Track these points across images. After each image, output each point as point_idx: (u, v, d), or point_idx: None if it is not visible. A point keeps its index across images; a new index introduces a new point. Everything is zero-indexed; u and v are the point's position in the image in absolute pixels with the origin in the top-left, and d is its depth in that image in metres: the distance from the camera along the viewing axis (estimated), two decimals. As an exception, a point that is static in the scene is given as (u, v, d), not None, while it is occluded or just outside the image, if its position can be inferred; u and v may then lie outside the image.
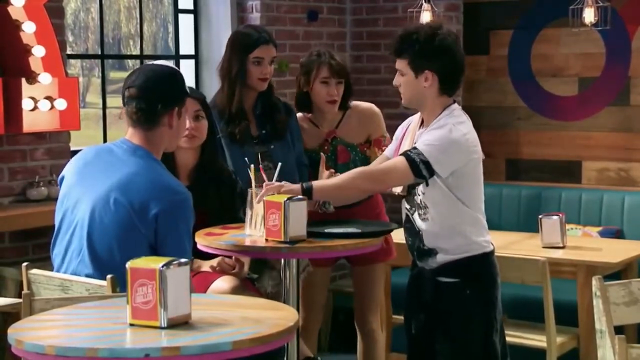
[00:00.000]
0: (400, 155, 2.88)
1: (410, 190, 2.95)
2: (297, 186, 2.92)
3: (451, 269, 2.91)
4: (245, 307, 2.36)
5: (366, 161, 3.60)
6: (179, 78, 2.80)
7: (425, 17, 4.92)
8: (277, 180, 3.05)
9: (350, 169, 3.53)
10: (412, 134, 3.01)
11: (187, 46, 5.26)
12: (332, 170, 3.28)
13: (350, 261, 3.67)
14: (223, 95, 3.47)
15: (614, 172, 5.11)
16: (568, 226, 4.34)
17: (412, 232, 2.98)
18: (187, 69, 5.25)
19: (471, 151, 2.89)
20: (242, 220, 3.13)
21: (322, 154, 3.46)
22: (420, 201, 2.91)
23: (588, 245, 4.19)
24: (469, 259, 2.90)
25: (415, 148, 2.85)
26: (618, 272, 4.08)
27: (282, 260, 3.09)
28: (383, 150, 3.62)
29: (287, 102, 3.65)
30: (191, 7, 5.25)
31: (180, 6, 5.24)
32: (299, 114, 3.65)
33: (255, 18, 5.14)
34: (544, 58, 5.26)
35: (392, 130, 5.49)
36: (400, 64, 2.92)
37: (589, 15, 4.56)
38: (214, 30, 5.22)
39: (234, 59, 3.45)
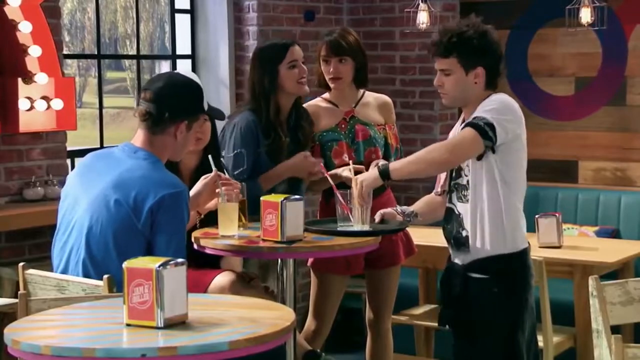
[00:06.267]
0: (466, 125, 2.86)
1: (457, 174, 2.95)
2: (373, 172, 2.92)
3: (482, 266, 2.90)
4: (242, 307, 2.36)
5: (385, 140, 3.64)
6: (197, 92, 2.78)
7: (422, 17, 4.92)
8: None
9: (373, 144, 3.58)
10: (453, 133, 3.03)
11: (183, 46, 5.26)
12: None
13: (369, 265, 3.63)
14: (265, 111, 3.40)
15: (611, 172, 5.11)
16: (564, 226, 4.34)
17: (452, 217, 2.97)
18: (183, 69, 5.24)
19: (522, 123, 2.91)
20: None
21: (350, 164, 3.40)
22: (468, 182, 2.91)
23: (584, 245, 4.19)
24: (501, 257, 2.89)
25: (475, 117, 2.85)
26: (614, 272, 4.08)
27: (279, 260, 3.09)
28: (395, 135, 3.71)
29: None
30: (188, 7, 5.25)
31: (177, 6, 5.23)
32: (317, 98, 3.64)
33: (251, 18, 5.14)
34: (541, 58, 5.27)
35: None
36: (447, 63, 2.91)
37: (586, 15, 4.56)
38: (211, 30, 5.22)
39: (264, 73, 3.40)
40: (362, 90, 3.66)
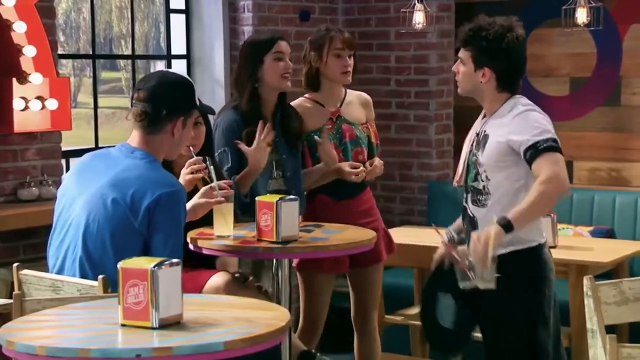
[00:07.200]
0: (539, 153, 2.81)
1: (474, 178, 2.97)
2: (493, 227, 2.75)
3: (497, 264, 2.86)
4: (238, 307, 2.36)
5: (368, 139, 3.67)
6: (190, 88, 2.81)
7: (418, 17, 4.92)
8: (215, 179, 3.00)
9: (360, 144, 3.62)
10: (475, 129, 3.05)
11: (179, 46, 5.25)
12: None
13: (353, 264, 3.64)
14: (245, 101, 3.41)
15: (605, 172, 5.12)
16: (559, 226, 4.35)
17: (467, 219, 3.00)
18: (178, 69, 5.24)
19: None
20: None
21: (322, 134, 3.51)
22: (484, 187, 2.93)
23: (579, 245, 4.20)
24: (514, 253, 2.89)
25: (536, 142, 2.82)
26: (609, 272, 4.09)
27: (274, 261, 3.09)
28: (375, 133, 3.74)
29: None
30: (183, 7, 5.25)
31: (172, 6, 5.23)
32: (301, 98, 3.65)
33: (247, 18, 5.13)
34: (536, 58, 5.27)
35: (385, 130, 5.51)
36: (464, 54, 2.98)
37: (582, 15, 4.57)
38: (206, 30, 5.21)
39: (249, 63, 3.42)
40: (344, 89, 3.68)
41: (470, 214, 2.99)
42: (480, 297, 2.92)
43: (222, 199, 2.95)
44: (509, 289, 2.88)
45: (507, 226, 2.75)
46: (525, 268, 2.91)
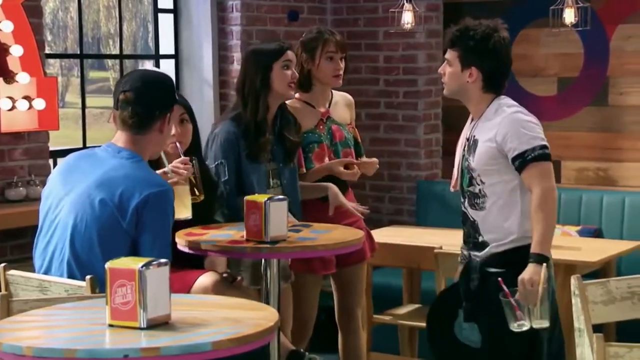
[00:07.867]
0: (527, 163, 2.91)
1: (469, 182, 3.01)
2: (531, 267, 2.87)
3: (499, 260, 2.97)
4: (226, 307, 2.35)
5: (355, 140, 3.71)
6: (171, 84, 2.84)
7: (407, 17, 4.92)
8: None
9: (348, 145, 3.66)
10: (464, 133, 3.09)
11: (167, 46, 5.25)
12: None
13: (338, 263, 3.63)
14: (248, 110, 3.36)
15: (593, 171, 5.14)
16: (547, 225, 4.36)
17: (467, 223, 3.06)
18: (167, 68, 5.23)
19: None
20: (218, 222, 3.14)
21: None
22: (480, 190, 2.98)
23: (567, 244, 4.21)
24: (518, 249, 2.96)
25: (524, 151, 2.91)
26: (596, 271, 4.10)
27: (263, 261, 3.08)
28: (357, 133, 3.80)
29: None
30: (171, 6, 5.24)
31: (160, 5, 5.22)
32: (290, 99, 3.65)
33: (235, 18, 5.13)
34: (524, 58, 5.29)
35: (374, 129, 5.52)
36: (451, 55, 3.02)
37: (569, 15, 4.58)
38: (194, 29, 5.20)
39: (256, 71, 3.36)
40: (331, 90, 3.69)
41: (471, 219, 3.04)
42: (483, 292, 2.97)
43: (176, 179, 2.91)
44: (512, 284, 2.91)
45: (540, 259, 2.87)
46: (525, 263, 2.93)
